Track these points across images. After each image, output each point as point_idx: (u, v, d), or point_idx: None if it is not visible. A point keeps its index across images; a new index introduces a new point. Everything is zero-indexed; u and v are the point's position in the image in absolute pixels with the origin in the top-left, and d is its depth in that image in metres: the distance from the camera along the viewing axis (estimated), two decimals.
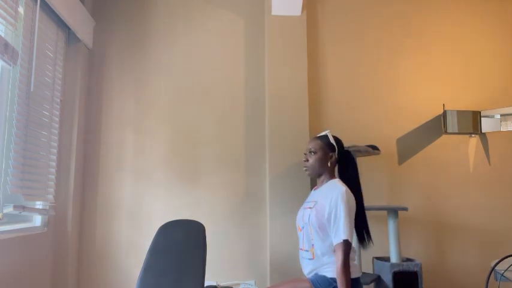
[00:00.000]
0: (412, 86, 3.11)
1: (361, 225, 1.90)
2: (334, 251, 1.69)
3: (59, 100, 2.55)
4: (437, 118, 3.07)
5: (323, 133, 1.94)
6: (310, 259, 1.77)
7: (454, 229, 2.96)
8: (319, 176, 1.90)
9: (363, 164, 2.94)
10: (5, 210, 1.96)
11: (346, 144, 2.91)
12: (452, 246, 2.94)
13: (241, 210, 2.84)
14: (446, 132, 3.02)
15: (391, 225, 2.54)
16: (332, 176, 1.88)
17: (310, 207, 1.80)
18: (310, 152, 1.88)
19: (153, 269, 1.98)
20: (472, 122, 3.01)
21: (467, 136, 3.08)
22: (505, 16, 3.27)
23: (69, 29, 2.61)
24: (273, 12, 2.87)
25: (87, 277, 2.68)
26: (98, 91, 2.90)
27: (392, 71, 3.11)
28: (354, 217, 1.74)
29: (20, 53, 2.01)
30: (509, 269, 1.87)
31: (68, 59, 2.68)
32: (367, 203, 2.90)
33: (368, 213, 2.89)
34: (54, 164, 2.47)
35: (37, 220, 2.42)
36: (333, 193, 1.74)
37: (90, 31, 2.87)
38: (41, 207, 2.39)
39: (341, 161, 1.92)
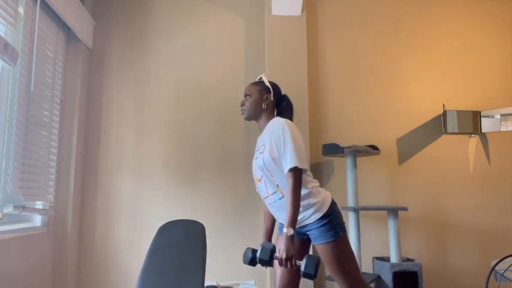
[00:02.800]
0: (412, 86, 3.11)
1: None
2: (287, 180, 1.65)
3: (59, 100, 2.55)
4: (437, 118, 3.07)
5: (258, 78, 1.94)
6: (280, 198, 1.73)
7: (454, 229, 2.96)
8: (257, 119, 1.88)
9: (363, 164, 2.94)
10: (5, 210, 1.96)
11: (346, 144, 2.92)
12: (452, 246, 2.94)
13: (241, 210, 2.84)
14: (446, 132, 3.02)
15: (391, 225, 2.54)
16: (270, 117, 1.86)
17: (261, 152, 1.79)
18: (245, 95, 1.88)
19: (153, 269, 1.98)
20: (472, 122, 3.01)
21: (467, 136, 3.08)
22: (505, 16, 3.27)
23: (69, 29, 2.62)
24: (273, 12, 2.87)
25: (87, 277, 2.68)
26: (98, 91, 2.90)
27: (393, 71, 3.11)
28: (301, 144, 1.69)
29: (20, 53, 2.01)
30: (509, 269, 1.87)
31: (68, 59, 2.68)
32: (367, 203, 2.91)
33: (368, 213, 2.90)
34: (54, 164, 2.47)
35: (37, 220, 2.42)
36: (274, 127, 1.74)
37: (90, 31, 2.87)
38: (41, 207, 2.39)
39: (278, 105, 1.91)
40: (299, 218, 1.71)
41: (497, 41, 3.23)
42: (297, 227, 1.73)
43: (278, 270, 1.79)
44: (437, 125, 3.07)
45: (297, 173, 1.63)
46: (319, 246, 1.68)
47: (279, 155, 1.70)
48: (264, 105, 1.85)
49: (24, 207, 2.08)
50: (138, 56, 2.95)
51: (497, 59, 3.21)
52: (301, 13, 2.90)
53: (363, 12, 3.16)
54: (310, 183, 1.73)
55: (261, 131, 1.88)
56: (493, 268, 1.83)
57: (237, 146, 2.91)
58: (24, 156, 2.09)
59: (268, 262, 1.55)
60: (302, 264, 1.50)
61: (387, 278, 2.39)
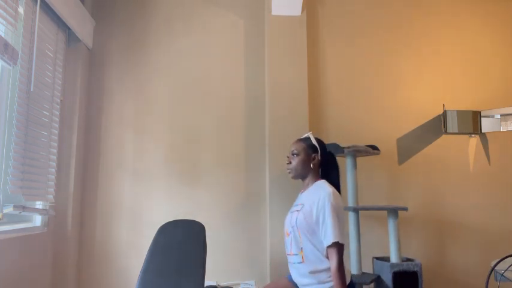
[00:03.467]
0: (412, 86, 3.11)
1: None
2: (327, 255, 1.67)
3: (59, 100, 2.55)
4: (437, 118, 3.07)
5: (305, 135, 1.93)
6: (299, 263, 1.74)
7: (454, 229, 2.96)
8: (304, 178, 1.89)
9: (363, 164, 2.94)
10: (5, 210, 1.96)
11: (346, 144, 2.92)
12: (452, 246, 2.94)
13: (241, 210, 2.84)
14: (446, 132, 3.02)
15: (391, 225, 2.54)
16: (317, 178, 1.87)
17: (297, 210, 1.79)
18: (293, 154, 1.87)
19: (153, 269, 1.98)
20: (472, 122, 3.01)
21: (467, 136, 3.08)
22: (505, 16, 3.27)
23: (69, 29, 2.62)
24: (273, 12, 2.87)
25: (87, 277, 2.68)
26: (98, 91, 2.90)
27: (393, 71, 3.11)
28: (342, 218, 1.71)
29: (20, 53, 2.01)
30: (509, 269, 1.87)
31: (68, 59, 2.68)
32: (367, 203, 2.91)
33: (368, 213, 2.90)
34: (54, 164, 2.47)
35: (37, 220, 2.42)
36: (319, 194, 1.73)
37: (90, 31, 2.87)
38: (41, 207, 2.39)
39: (323, 163, 1.91)
40: (307, 282, 1.72)
41: (497, 41, 3.23)
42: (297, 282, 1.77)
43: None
44: (437, 125, 3.07)
45: (340, 248, 1.65)
46: None
47: (316, 225, 1.71)
48: (311, 165, 1.85)
49: (24, 207, 2.08)
50: (138, 56, 2.95)
51: (497, 59, 3.21)
52: (301, 13, 2.90)
53: (363, 12, 3.16)
54: None
55: (305, 188, 1.88)
56: (493, 268, 1.83)
57: (237, 146, 2.91)
58: (24, 156, 2.09)
59: None
60: None
61: (387, 278, 2.39)
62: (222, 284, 2.70)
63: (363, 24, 3.15)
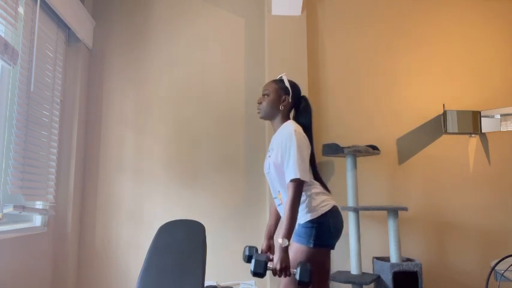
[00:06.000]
0: (412, 86, 3.11)
1: (313, 173, 1.83)
2: (287, 190, 1.64)
3: (59, 100, 2.55)
4: (437, 118, 3.07)
5: (279, 76, 1.90)
6: (279, 205, 1.76)
7: (454, 229, 2.96)
8: (272, 119, 1.84)
9: (363, 164, 2.94)
10: (5, 210, 1.96)
11: (346, 144, 2.92)
12: (452, 246, 2.94)
13: (241, 210, 2.84)
14: (446, 132, 3.02)
15: (391, 225, 2.54)
16: (285, 119, 1.83)
17: (269, 156, 1.79)
18: (263, 94, 1.85)
19: (153, 269, 1.98)
20: (472, 122, 3.01)
21: (467, 136, 3.08)
22: (505, 16, 3.26)
23: (69, 29, 2.62)
24: (273, 12, 2.87)
25: (87, 277, 2.68)
26: (98, 91, 2.90)
27: (393, 71, 3.11)
28: (306, 155, 1.67)
29: (20, 53, 2.01)
30: (509, 269, 1.87)
31: (68, 59, 2.68)
32: (367, 203, 2.91)
33: (368, 213, 2.90)
34: (54, 164, 2.47)
35: (37, 220, 2.42)
36: (283, 135, 1.72)
37: (90, 31, 2.87)
38: (41, 207, 2.39)
39: (296, 106, 1.87)
40: None
41: (497, 41, 3.23)
42: None
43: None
44: (437, 125, 3.07)
45: (298, 184, 1.61)
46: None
47: (281, 164, 1.69)
48: (281, 107, 1.81)
49: (24, 207, 2.08)
50: (138, 56, 2.95)
51: (498, 59, 3.21)
52: (301, 13, 2.90)
53: (363, 12, 3.16)
54: (312, 189, 1.71)
55: (275, 131, 1.86)
56: (493, 268, 1.83)
57: (237, 146, 2.91)
58: (24, 156, 2.09)
59: (262, 274, 1.54)
60: (296, 272, 1.49)
61: (387, 278, 2.39)
62: (222, 284, 2.70)
63: (362, 24, 3.15)
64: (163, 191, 2.82)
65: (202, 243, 2.09)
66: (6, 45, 1.82)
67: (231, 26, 3.04)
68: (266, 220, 2.80)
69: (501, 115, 2.96)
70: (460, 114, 3.02)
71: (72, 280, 2.57)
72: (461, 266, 2.91)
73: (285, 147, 1.68)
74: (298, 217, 1.67)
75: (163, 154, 2.86)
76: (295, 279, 1.51)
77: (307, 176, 1.64)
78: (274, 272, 1.53)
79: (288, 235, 1.55)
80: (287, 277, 1.58)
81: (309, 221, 1.65)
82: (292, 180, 1.61)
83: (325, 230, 1.65)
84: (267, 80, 2.85)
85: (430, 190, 2.99)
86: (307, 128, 1.81)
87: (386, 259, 2.59)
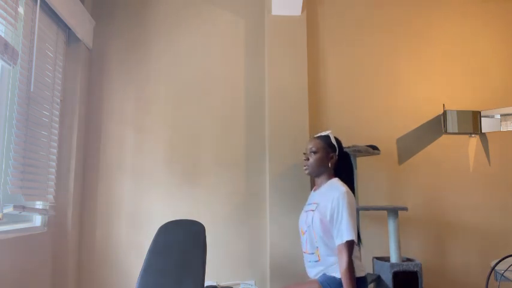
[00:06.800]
0: (412, 86, 3.11)
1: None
2: (338, 252, 1.68)
3: (59, 100, 2.55)
4: (437, 118, 3.07)
5: (324, 133, 1.93)
6: (316, 261, 1.77)
7: (454, 229, 2.96)
8: (319, 176, 1.90)
9: (363, 164, 2.94)
10: (5, 210, 1.96)
11: (346, 144, 2.92)
12: (452, 246, 2.94)
13: (241, 210, 2.84)
14: (446, 132, 3.02)
15: (391, 225, 2.54)
16: (331, 176, 1.87)
17: (312, 210, 1.80)
18: (311, 151, 1.87)
19: (153, 269, 1.98)
20: (472, 122, 3.01)
21: (467, 136, 3.08)
22: (505, 16, 3.26)
23: (69, 29, 2.61)
24: (273, 12, 2.87)
25: (87, 277, 2.68)
26: (98, 91, 2.90)
27: (393, 71, 3.11)
28: (355, 216, 1.72)
29: (20, 53, 2.01)
30: (509, 269, 1.87)
31: (68, 59, 2.68)
32: (367, 203, 2.91)
33: (368, 213, 2.90)
34: (54, 164, 2.47)
35: (37, 220, 2.42)
36: (334, 194, 1.74)
37: (90, 31, 2.87)
38: (41, 207, 2.39)
39: (339, 163, 1.91)
40: (324, 266, 1.75)
41: (497, 41, 3.23)
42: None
43: None
44: (437, 125, 3.06)
45: (350, 247, 1.66)
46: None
47: (330, 223, 1.72)
48: (329, 164, 1.85)
49: (24, 207, 2.08)
50: (138, 56, 2.95)
51: (497, 59, 3.21)
52: (301, 13, 2.90)
53: (363, 12, 3.16)
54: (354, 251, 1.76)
55: (317, 186, 1.88)
56: (493, 268, 1.83)
57: (237, 146, 2.91)
58: (24, 156, 2.09)
59: None
60: None
61: (387, 278, 2.39)
62: (222, 284, 2.70)
63: (362, 24, 3.15)
64: (163, 191, 2.82)
65: (202, 243, 2.09)
66: (6, 45, 1.82)
67: (231, 26, 3.04)
68: (266, 220, 2.80)
69: (501, 115, 2.96)
70: (460, 114, 3.02)
71: (72, 280, 2.57)
72: (461, 266, 2.91)
73: (336, 206, 1.70)
74: (338, 270, 1.71)
75: (164, 154, 2.86)
76: None
77: (356, 238, 1.69)
78: None
79: None
80: None
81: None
82: (347, 242, 1.65)
83: None
84: (267, 79, 2.85)
85: (430, 190, 2.99)
86: (350, 184, 1.86)
87: (386, 259, 2.59)
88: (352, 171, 1.92)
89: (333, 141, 1.88)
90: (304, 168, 1.91)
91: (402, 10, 3.19)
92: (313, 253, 1.78)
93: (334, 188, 1.77)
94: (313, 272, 1.80)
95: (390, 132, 3.03)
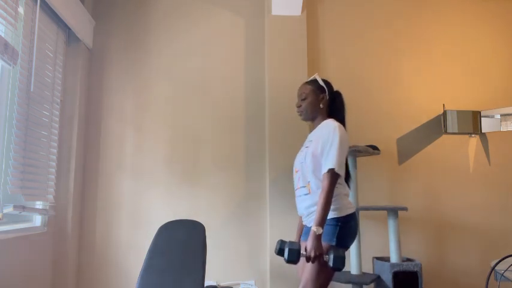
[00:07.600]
0: (412, 86, 3.11)
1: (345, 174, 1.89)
2: (322, 181, 1.68)
3: (59, 100, 2.55)
4: (437, 118, 3.07)
5: (312, 77, 1.94)
6: (306, 194, 1.77)
7: (454, 229, 2.96)
8: (314, 119, 1.91)
9: (363, 164, 2.94)
10: (5, 210, 1.96)
11: None
12: (452, 246, 2.94)
13: (241, 210, 2.84)
14: (446, 132, 3.02)
15: (391, 225, 2.54)
16: (325, 117, 1.89)
17: (307, 147, 1.83)
18: (302, 98, 1.89)
19: (153, 269, 1.98)
20: (472, 122, 3.01)
21: (467, 136, 3.08)
22: (505, 17, 3.26)
23: (69, 29, 2.61)
24: (273, 12, 2.87)
25: (87, 277, 2.68)
26: (98, 91, 2.90)
27: (393, 71, 3.11)
28: (345, 152, 1.73)
29: (20, 53, 2.01)
30: (509, 269, 1.87)
31: (68, 59, 2.68)
32: (367, 203, 2.91)
33: (368, 213, 2.90)
34: (54, 164, 2.47)
35: (37, 220, 2.42)
36: (327, 128, 1.77)
37: (90, 31, 2.87)
38: (41, 207, 2.39)
39: (331, 102, 1.92)
40: (314, 200, 1.75)
41: (497, 41, 3.23)
42: (310, 219, 1.77)
43: (301, 264, 1.83)
44: (437, 125, 3.06)
45: (333, 176, 1.66)
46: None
47: (321, 155, 1.73)
48: (321, 105, 1.87)
49: (24, 207, 2.08)
50: (138, 56, 2.95)
51: (497, 59, 3.21)
52: (301, 13, 2.90)
53: (363, 12, 3.16)
54: (342, 189, 1.76)
55: (314, 127, 1.90)
56: (493, 268, 1.83)
57: (237, 145, 2.91)
58: (24, 156, 2.09)
59: (296, 262, 1.61)
60: (330, 259, 1.56)
61: (387, 278, 2.39)
62: (222, 284, 2.70)
63: (362, 24, 3.15)
64: (163, 191, 2.82)
65: (202, 243, 2.09)
66: (6, 45, 1.82)
67: (231, 26, 3.04)
68: (266, 220, 2.80)
69: (501, 115, 2.96)
70: (460, 114, 3.02)
71: (72, 280, 2.57)
72: (461, 266, 2.91)
73: (327, 138, 1.73)
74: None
75: (164, 154, 2.86)
76: (328, 265, 1.57)
77: (342, 172, 1.69)
78: (308, 259, 1.59)
79: (322, 223, 1.60)
80: (315, 264, 1.63)
81: (334, 218, 1.69)
82: (329, 171, 1.66)
83: (348, 231, 1.70)
84: (267, 79, 2.85)
85: (430, 190, 2.99)
86: (342, 122, 1.87)
87: (386, 259, 2.59)
88: (343, 111, 1.92)
89: (321, 83, 1.90)
90: (298, 114, 1.92)
91: (402, 11, 3.19)
92: (304, 186, 1.79)
93: (328, 124, 1.79)
94: (303, 205, 1.79)
95: (390, 132, 3.03)
